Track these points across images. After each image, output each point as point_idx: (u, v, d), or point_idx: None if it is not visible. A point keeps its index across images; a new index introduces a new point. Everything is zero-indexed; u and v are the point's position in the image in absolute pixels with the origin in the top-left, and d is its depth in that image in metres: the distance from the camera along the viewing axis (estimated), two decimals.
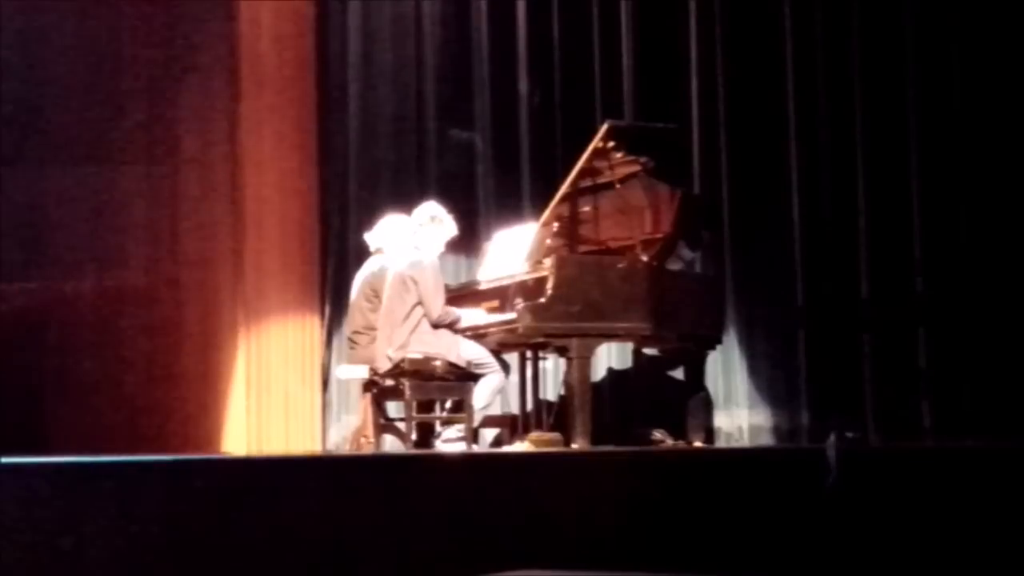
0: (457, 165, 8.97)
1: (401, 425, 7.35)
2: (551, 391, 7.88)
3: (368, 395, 7.44)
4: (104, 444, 7.60)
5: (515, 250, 7.46)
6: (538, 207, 7.80)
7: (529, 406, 7.70)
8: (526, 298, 6.92)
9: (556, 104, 8.68)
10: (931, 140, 7.68)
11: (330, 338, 9.01)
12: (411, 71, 9.13)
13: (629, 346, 7.92)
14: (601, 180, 7.28)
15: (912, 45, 7.75)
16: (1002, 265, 7.39)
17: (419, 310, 7.10)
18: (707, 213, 7.86)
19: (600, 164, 7.18)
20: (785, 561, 4.64)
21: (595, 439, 6.77)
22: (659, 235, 7.26)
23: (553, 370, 7.92)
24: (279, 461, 6.35)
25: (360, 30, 9.22)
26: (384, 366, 7.17)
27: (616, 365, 8.27)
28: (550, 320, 6.82)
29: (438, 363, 7.09)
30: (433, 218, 7.33)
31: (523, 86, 8.81)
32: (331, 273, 9.06)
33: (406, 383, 7.07)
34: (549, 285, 6.84)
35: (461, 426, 7.12)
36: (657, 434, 7.33)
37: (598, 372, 8.01)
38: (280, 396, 8.67)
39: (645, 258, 7.10)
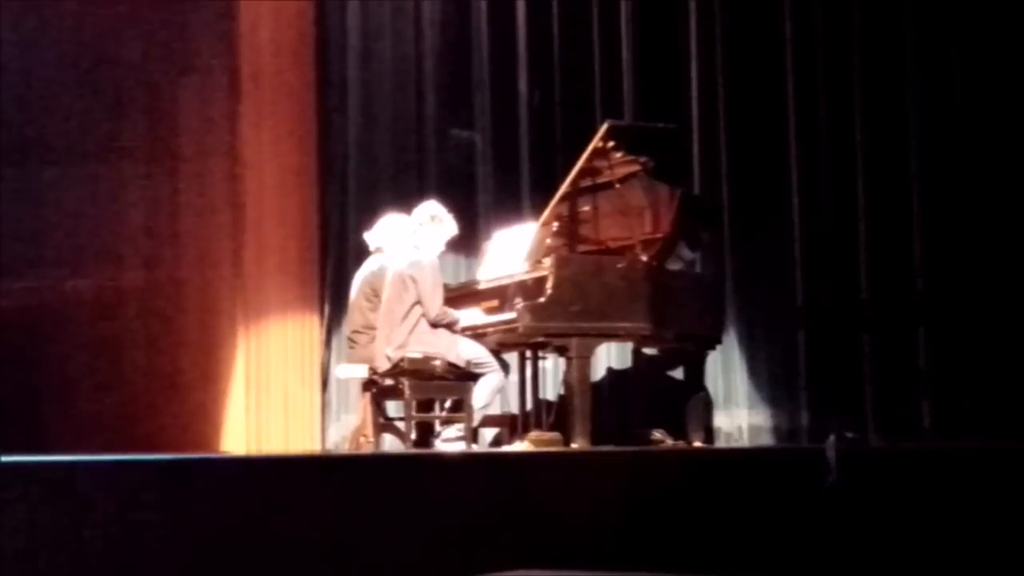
0: (457, 164, 8.97)
1: (400, 425, 7.35)
2: (551, 391, 7.89)
3: (367, 394, 7.44)
4: (103, 444, 7.60)
5: (515, 250, 7.46)
6: (538, 207, 7.80)
7: (529, 406, 7.70)
8: (526, 298, 6.92)
9: (556, 104, 8.68)
10: (931, 141, 7.67)
11: (329, 337, 9.01)
12: (411, 71, 9.13)
13: (629, 346, 7.91)
14: (601, 180, 7.29)
15: (912, 46, 7.75)
16: (1002, 266, 7.39)
17: (418, 309, 7.10)
18: (707, 213, 7.86)
19: (600, 164, 7.18)
20: (785, 561, 4.64)
21: (595, 439, 6.77)
22: (659, 235, 7.26)
23: (553, 370, 7.92)
24: (278, 461, 6.35)
25: (359, 30, 9.22)
26: (383, 365, 7.17)
27: (616, 365, 8.27)
28: (549, 320, 6.82)
29: (437, 363, 7.09)
30: (433, 217, 7.33)
31: (523, 86, 8.80)
32: (330, 272, 9.06)
33: (405, 383, 7.07)
34: (549, 285, 6.84)
35: (461, 426, 7.12)
36: (657, 434, 7.33)
37: (598, 372, 8.01)
38: (279, 395, 8.67)
39: (645, 258, 7.09)
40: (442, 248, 7.41)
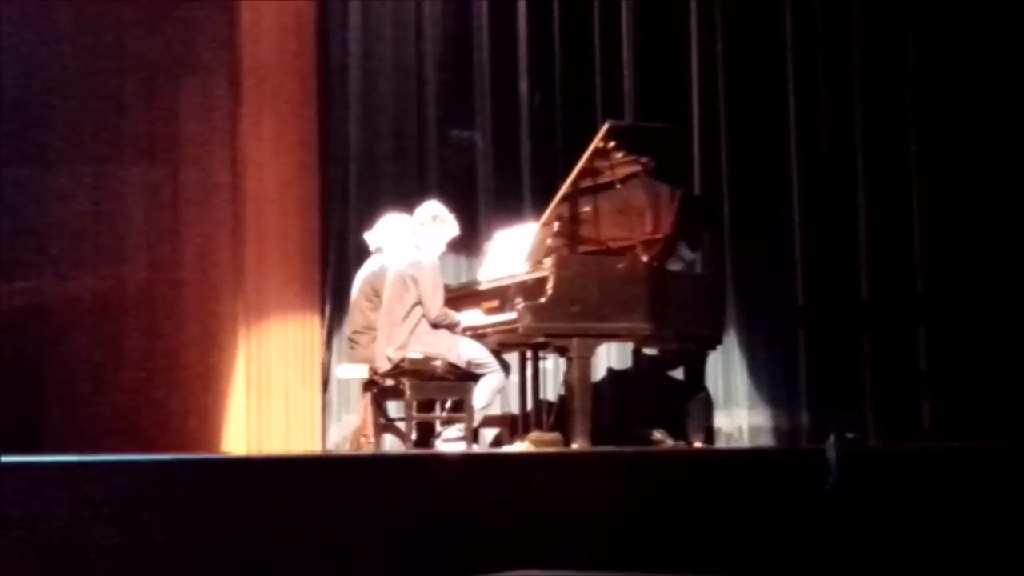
0: (458, 165, 8.97)
1: (401, 425, 7.35)
2: (551, 391, 7.89)
3: (368, 395, 7.44)
4: (104, 444, 7.59)
5: (515, 250, 7.46)
6: (538, 207, 7.80)
7: (529, 406, 7.71)
8: (526, 298, 6.92)
9: (557, 104, 8.69)
10: (931, 141, 7.68)
11: (330, 338, 9.01)
12: (412, 71, 9.13)
13: (629, 346, 7.92)
14: (601, 180, 7.29)
15: (912, 46, 7.75)
16: (1002, 266, 7.40)
17: (419, 310, 7.10)
18: (707, 213, 7.86)
19: (600, 164, 7.19)
20: (785, 561, 4.64)
21: (595, 439, 6.78)
22: (659, 235, 7.26)
23: (553, 370, 7.92)
24: (279, 461, 6.35)
25: (361, 30, 9.22)
26: (384, 366, 7.17)
27: (616, 365, 8.27)
28: (550, 320, 6.82)
29: (438, 363, 7.09)
30: (434, 217, 7.33)
31: (524, 86, 8.81)
32: (331, 273, 9.06)
33: (406, 383, 7.08)
34: (549, 285, 6.84)
35: (461, 426, 7.12)
36: (657, 434, 7.33)
37: (598, 372, 8.02)
38: (280, 396, 8.66)
39: (645, 258, 7.09)
40: (443, 248, 7.41)
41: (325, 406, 9.02)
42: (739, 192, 8.17)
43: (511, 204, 8.61)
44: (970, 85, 7.58)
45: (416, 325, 7.10)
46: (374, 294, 7.47)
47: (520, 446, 7.11)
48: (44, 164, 8.37)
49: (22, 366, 8.12)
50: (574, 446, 6.68)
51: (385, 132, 9.14)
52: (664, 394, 7.83)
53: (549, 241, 7.39)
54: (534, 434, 7.18)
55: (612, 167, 7.20)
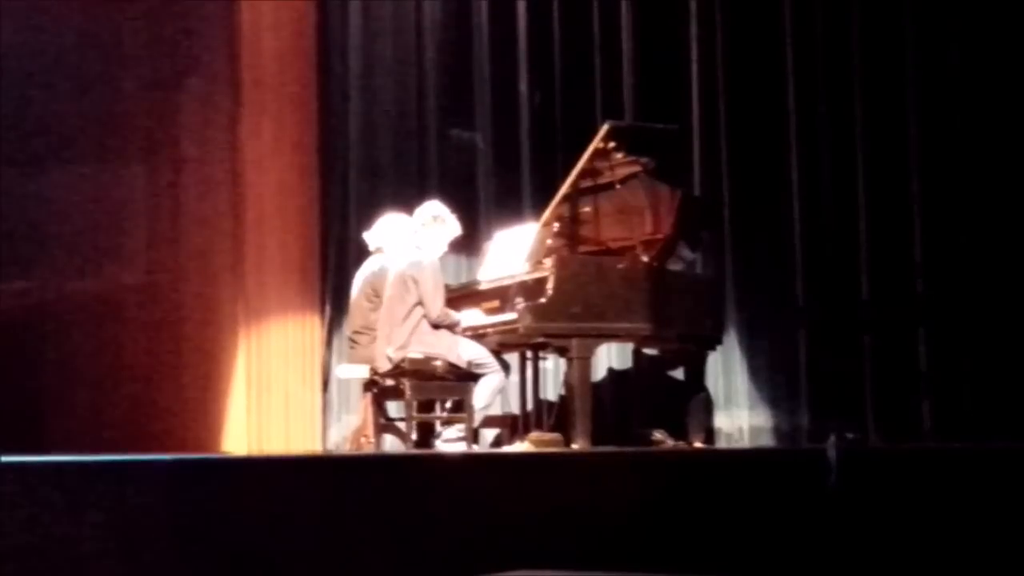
0: (458, 165, 8.97)
1: (401, 425, 7.35)
2: (551, 391, 7.89)
3: (368, 395, 7.44)
4: (104, 444, 7.60)
5: (515, 250, 7.46)
6: (538, 207, 7.80)
7: (529, 406, 7.71)
8: (526, 298, 6.92)
9: (557, 104, 8.68)
10: (931, 141, 7.68)
11: (330, 338, 9.01)
12: (412, 71, 9.13)
13: (629, 346, 7.92)
14: (601, 180, 7.29)
15: (912, 46, 7.75)
16: (1002, 266, 7.40)
17: (419, 310, 7.10)
18: (707, 214, 7.87)
19: (600, 164, 7.19)
20: (786, 562, 4.64)
21: (595, 440, 6.77)
22: (659, 236, 7.26)
23: (553, 370, 7.92)
24: (279, 461, 6.35)
25: (361, 29, 9.22)
26: (384, 366, 7.17)
27: (616, 365, 8.27)
28: (550, 320, 6.82)
29: (438, 363, 7.09)
30: (435, 217, 7.33)
31: (524, 86, 8.81)
32: (331, 273, 9.05)
33: (406, 383, 7.08)
34: (549, 285, 6.84)
35: (461, 426, 7.12)
36: (657, 435, 7.33)
37: (598, 372, 8.01)
38: (280, 396, 8.67)
39: (645, 259, 7.10)
40: (445, 248, 7.41)
41: (325, 406, 9.01)
42: (739, 192, 8.17)
43: (511, 204, 8.61)
44: (970, 85, 7.58)
45: (417, 325, 7.10)
46: (374, 294, 7.47)
47: (520, 446, 7.11)
48: (44, 164, 8.37)
49: (22, 366, 8.12)
50: (574, 446, 6.68)
51: (385, 132, 9.14)
52: (664, 394, 7.83)
53: (549, 241, 7.39)
54: (534, 434, 7.18)
55: (612, 167, 7.20)
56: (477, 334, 7.22)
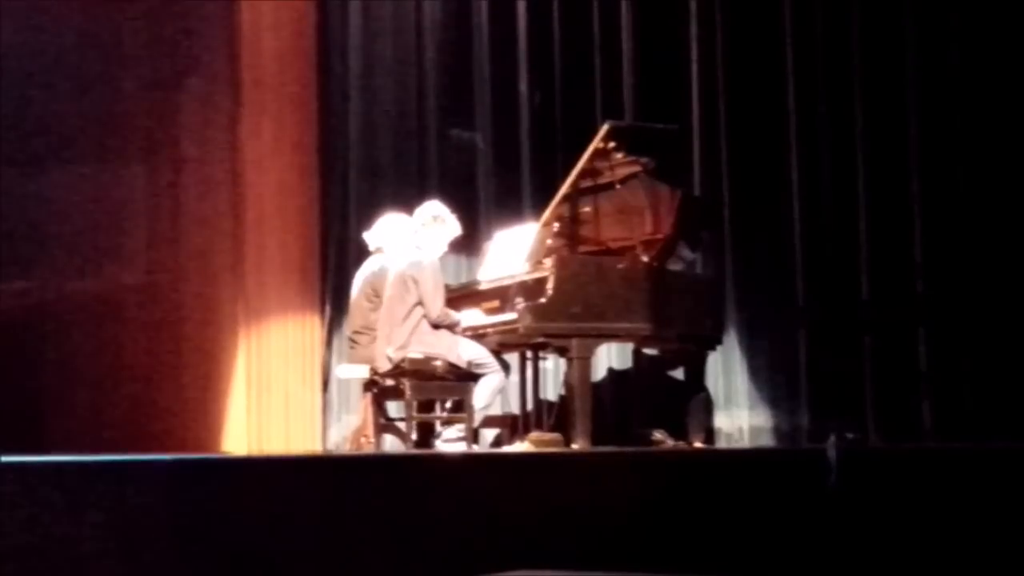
0: (458, 165, 8.97)
1: (401, 425, 7.35)
2: (551, 391, 7.89)
3: (368, 395, 7.44)
4: (104, 444, 7.60)
5: (515, 250, 7.46)
6: (538, 207, 7.80)
7: (529, 406, 7.71)
8: (526, 298, 6.92)
9: (557, 104, 8.68)
10: (931, 141, 7.68)
11: (330, 338, 9.01)
12: (412, 71, 9.13)
13: (629, 346, 7.92)
14: (601, 180, 7.29)
15: (912, 46, 7.75)
16: (1002, 266, 7.40)
17: (419, 310, 7.10)
18: (707, 214, 7.87)
19: (600, 164, 7.19)
20: (786, 562, 4.64)
21: (595, 439, 6.77)
22: (659, 236, 7.26)
23: (553, 370, 7.92)
24: (279, 461, 6.35)
25: (361, 29, 9.22)
26: (384, 366, 7.17)
27: (616, 365, 8.27)
28: (550, 320, 6.82)
29: (438, 363, 7.09)
30: (435, 217, 7.33)
31: (524, 86, 8.81)
32: (331, 273, 9.05)
33: (406, 383, 7.07)
34: (549, 285, 6.84)
35: (461, 426, 7.12)
36: (657, 435, 7.33)
37: (598, 372, 8.01)
38: (280, 396, 8.67)
39: (645, 259, 7.10)
40: (445, 248, 7.41)
41: (325, 406, 9.02)
42: (739, 192, 8.17)
43: (511, 204, 8.61)
44: (970, 85, 7.58)
45: (417, 325, 7.10)
46: (374, 294, 7.47)
47: (520, 446, 7.11)
48: (44, 164, 8.37)
49: (22, 366, 8.12)
50: (574, 446, 6.68)
51: (385, 132, 9.14)
52: (664, 394, 7.83)
53: (549, 241, 7.39)
54: (534, 434, 7.18)
55: (612, 167, 7.20)
56: (477, 334, 7.22)
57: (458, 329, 7.18)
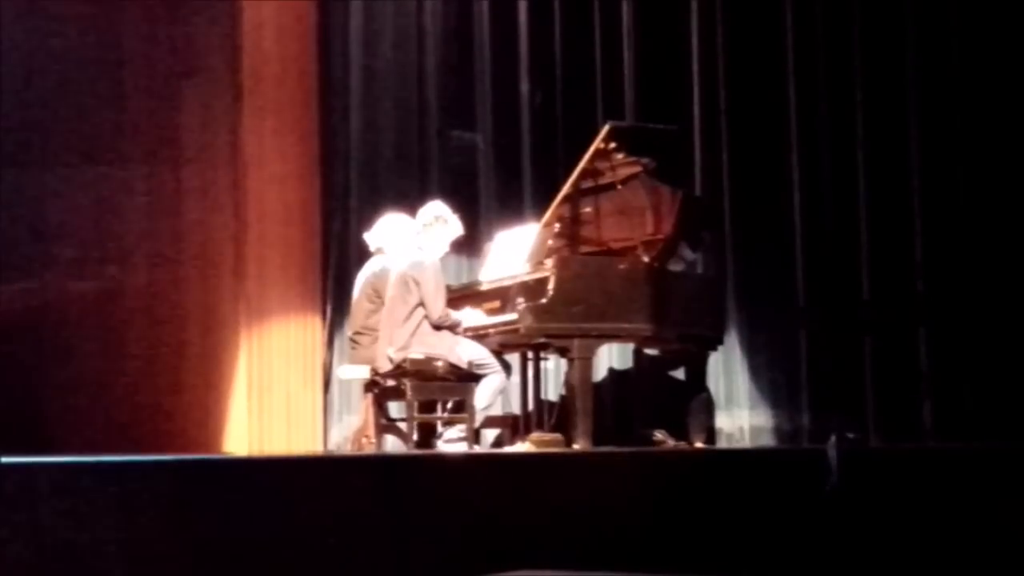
0: (459, 166, 8.97)
1: (402, 425, 7.36)
2: (552, 392, 7.89)
3: (370, 395, 7.45)
4: (105, 444, 7.60)
5: (516, 251, 7.46)
6: (539, 208, 7.81)
7: (530, 407, 7.71)
8: (527, 299, 6.93)
9: (558, 105, 8.69)
10: (932, 141, 7.69)
11: (332, 338, 9.01)
12: (413, 72, 9.13)
13: (630, 347, 7.93)
14: (602, 181, 7.29)
15: (913, 47, 7.76)
16: (1003, 266, 7.40)
17: (421, 311, 7.11)
18: (708, 214, 7.87)
19: (601, 165, 7.19)
20: (786, 562, 4.64)
21: (596, 440, 6.78)
22: (660, 236, 7.26)
23: (554, 371, 7.93)
24: (281, 461, 6.35)
25: (362, 30, 9.22)
26: (385, 366, 7.17)
27: (617, 366, 8.27)
28: (551, 321, 6.83)
29: (439, 363, 7.10)
30: (438, 218, 7.33)
31: (525, 87, 8.81)
32: (333, 273, 9.06)
33: (407, 383, 7.08)
34: (550, 286, 6.85)
35: (462, 426, 7.13)
36: (658, 435, 7.34)
37: (599, 373, 8.02)
38: (282, 396, 8.66)
39: (646, 259, 7.10)
40: (447, 248, 7.42)
41: (326, 406, 9.02)
42: (740, 192, 8.17)
43: (512, 205, 8.62)
44: (970, 85, 7.58)
45: (418, 326, 7.10)
46: (375, 294, 7.47)
47: (521, 447, 7.11)
48: (45, 164, 8.36)
49: (23, 366, 8.12)
50: (575, 447, 6.68)
51: (386, 133, 9.14)
52: (665, 394, 7.83)
53: (550, 242, 7.40)
54: (535, 435, 7.18)
55: (613, 168, 7.21)
56: (478, 334, 7.23)
57: (459, 329, 7.18)
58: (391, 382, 7.23)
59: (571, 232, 7.34)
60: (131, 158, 8.40)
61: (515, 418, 7.74)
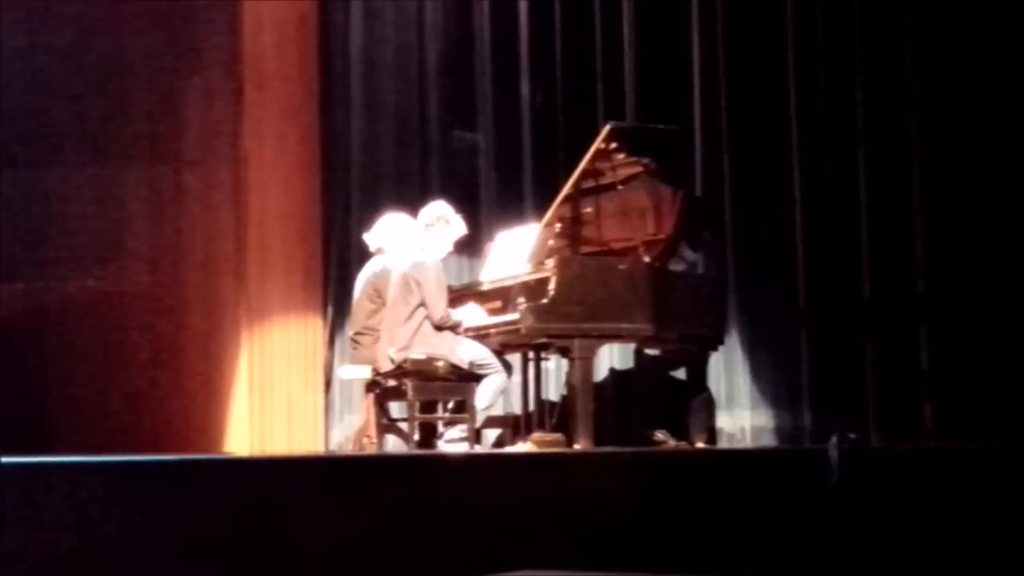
0: (459, 166, 8.97)
1: (404, 425, 7.35)
2: (553, 392, 7.89)
3: (371, 395, 7.44)
4: (106, 444, 7.60)
5: (517, 251, 7.47)
6: (540, 208, 7.81)
7: (531, 407, 7.70)
8: (528, 299, 6.93)
9: (558, 105, 8.68)
10: (933, 141, 7.68)
11: (333, 338, 9.01)
12: (413, 72, 9.13)
13: (631, 347, 7.92)
14: (603, 181, 7.30)
15: (913, 47, 7.76)
16: (1003, 266, 7.40)
17: (422, 311, 7.11)
18: (709, 214, 7.87)
19: (602, 165, 7.19)
20: (787, 562, 4.64)
21: (597, 440, 6.78)
22: (661, 236, 7.27)
23: (555, 371, 7.93)
24: (282, 462, 6.35)
25: (362, 30, 9.22)
26: (386, 366, 7.17)
27: (618, 366, 8.27)
28: (552, 321, 6.83)
29: (440, 363, 7.10)
30: (440, 218, 7.33)
31: (525, 87, 8.81)
32: (334, 273, 9.06)
33: (409, 383, 7.08)
34: (551, 286, 6.85)
35: (463, 427, 7.12)
36: (659, 435, 7.34)
37: (600, 373, 8.02)
38: (283, 396, 8.67)
39: (647, 259, 7.10)
40: (450, 249, 7.42)
41: (328, 407, 9.02)
42: (741, 193, 8.17)
43: (513, 205, 8.62)
44: (971, 85, 7.58)
45: (419, 326, 7.10)
46: (376, 295, 7.47)
47: (522, 447, 7.12)
48: (45, 164, 8.37)
49: (24, 367, 8.12)
50: (576, 447, 6.68)
51: (387, 132, 9.15)
52: (666, 394, 7.83)
53: (551, 242, 7.39)
54: (536, 435, 7.18)
55: (614, 168, 7.21)
56: (479, 334, 7.23)
57: (460, 330, 7.18)
58: (392, 382, 7.23)
59: (572, 232, 7.34)
60: (132, 158, 8.40)
61: (516, 418, 7.74)
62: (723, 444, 7.90)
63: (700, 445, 7.37)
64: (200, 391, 8.28)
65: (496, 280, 7.43)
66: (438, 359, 7.09)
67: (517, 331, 6.94)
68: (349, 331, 7.90)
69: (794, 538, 4.69)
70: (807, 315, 7.95)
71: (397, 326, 7.14)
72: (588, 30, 8.62)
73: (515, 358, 7.58)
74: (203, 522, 4.86)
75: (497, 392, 7.22)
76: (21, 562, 4.77)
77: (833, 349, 7.85)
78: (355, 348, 7.58)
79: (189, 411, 8.24)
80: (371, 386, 7.42)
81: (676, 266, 7.41)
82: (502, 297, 7.27)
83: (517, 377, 7.65)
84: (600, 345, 7.14)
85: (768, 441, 7.87)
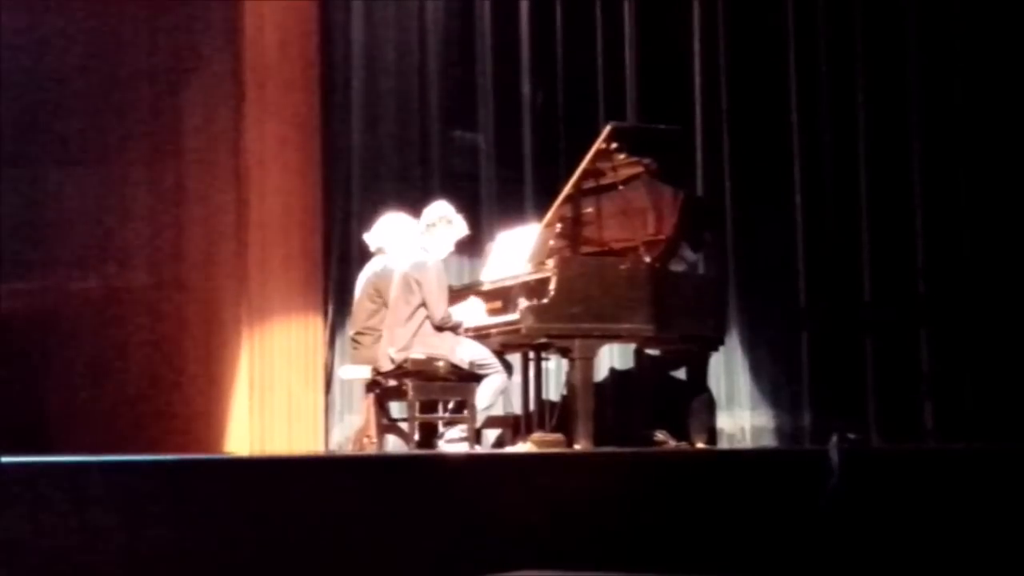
0: (460, 166, 8.98)
1: (404, 425, 7.35)
2: (554, 392, 7.89)
3: (371, 395, 7.45)
4: (107, 444, 7.60)
5: (518, 251, 7.47)
6: (541, 208, 7.81)
7: (532, 407, 7.71)
8: (529, 299, 6.93)
9: (559, 105, 8.69)
10: (934, 142, 7.67)
11: (333, 338, 9.02)
12: (414, 72, 9.14)
13: (631, 347, 7.92)
14: (604, 181, 7.30)
15: (915, 48, 7.75)
16: (1004, 267, 7.39)
17: (423, 311, 7.11)
18: (710, 214, 7.86)
19: (603, 165, 7.19)
20: (787, 562, 4.64)
21: (597, 440, 6.78)
22: (662, 236, 7.27)
23: (556, 371, 7.93)
24: (282, 461, 6.35)
25: (364, 30, 9.23)
26: (387, 366, 7.17)
27: (619, 366, 8.27)
28: (552, 321, 6.83)
29: (441, 364, 7.10)
30: (442, 218, 7.33)
31: (526, 87, 8.81)
32: (334, 273, 9.06)
33: (409, 383, 7.08)
34: (552, 286, 6.85)
35: (464, 427, 7.12)
36: (660, 435, 7.34)
37: (600, 373, 8.01)
38: (283, 396, 8.67)
39: (648, 259, 7.10)
40: (451, 249, 7.42)
41: (328, 406, 9.02)
42: (741, 193, 8.16)
43: (513, 205, 8.62)
44: (973, 86, 7.57)
45: (420, 326, 7.10)
46: (377, 295, 7.47)
47: (523, 447, 7.12)
48: (46, 164, 8.38)
49: (25, 367, 8.13)
50: (576, 447, 6.68)
51: (388, 132, 9.15)
52: (666, 395, 7.83)
53: (551, 242, 7.39)
54: (537, 435, 7.19)
55: (615, 168, 7.21)
56: (480, 334, 7.23)
57: (461, 330, 7.19)
58: (392, 382, 7.23)
59: (573, 232, 7.34)
60: (132, 158, 8.42)
61: (516, 418, 7.74)
62: (723, 444, 7.89)
63: (700, 445, 7.36)
64: (201, 391, 8.29)
65: (497, 280, 7.43)
66: (438, 359, 7.09)
67: (517, 331, 6.94)
68: (349, 331, 7.90)
69: (794, 538, 4.69)
70: (807, 316, 7.94)
71: (398, 326, 7.14)
72: (589, 30, 8.62)
73: (515, 358, 7.58)
74: (203, 522, 4.86)
75: (497, 392, 7.22)
76: (20, 562, 4.77)
77: (833, 350, 7.85)
78: (355, 348, 7.59)
79: (189, 411, 8.25)
80: (371, 386, 7.42)
81: (676, 266, 7.41)
82: (502, 297, 7.28)
83: (517, 377, 7.65)
84: (600, 345, 7.15)
85: (768, 441, 7.86)
